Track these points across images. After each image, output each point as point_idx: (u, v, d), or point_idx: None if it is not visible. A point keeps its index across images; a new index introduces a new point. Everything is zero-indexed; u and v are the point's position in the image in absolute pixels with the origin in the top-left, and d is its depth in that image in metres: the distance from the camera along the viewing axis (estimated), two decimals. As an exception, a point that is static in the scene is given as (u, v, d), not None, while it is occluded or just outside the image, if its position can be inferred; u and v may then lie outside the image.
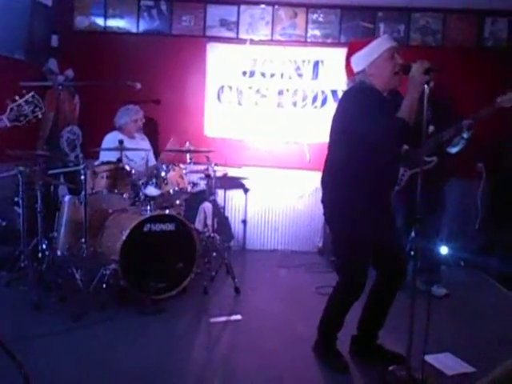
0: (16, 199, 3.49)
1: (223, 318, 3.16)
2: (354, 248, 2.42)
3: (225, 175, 4.81)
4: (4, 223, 4.07)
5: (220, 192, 4.99)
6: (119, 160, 3.58)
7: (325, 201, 2.51)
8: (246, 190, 5.01)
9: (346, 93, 2.45)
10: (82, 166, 3.20)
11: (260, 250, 4.96)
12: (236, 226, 5.04)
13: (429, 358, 2.60)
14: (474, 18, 4.74)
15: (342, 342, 2.64)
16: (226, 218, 5.02)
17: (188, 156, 3.73)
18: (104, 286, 3.24)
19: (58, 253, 3.61)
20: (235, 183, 4.96)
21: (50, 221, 3.79)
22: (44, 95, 4.67)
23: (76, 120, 4.95)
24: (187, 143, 3.77)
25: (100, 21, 4.95)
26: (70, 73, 4.88)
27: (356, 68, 2.42)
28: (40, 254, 3.58)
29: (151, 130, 4.84)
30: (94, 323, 2.99)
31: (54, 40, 4.89)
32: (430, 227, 3.67)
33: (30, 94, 1.91)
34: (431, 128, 3.53)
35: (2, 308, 3.19)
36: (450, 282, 3.92)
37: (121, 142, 3.62)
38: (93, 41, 4.93)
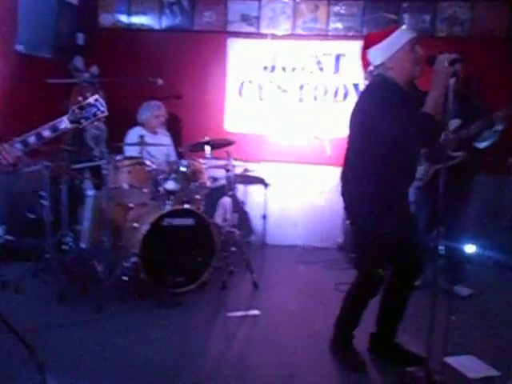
0: (42, 193, 3.58)
1: (241, 313, 3.20)
2: (377, 243, 2.39)
3: (245, 170, 4.84)
4: (32, 216, 4.19)
5: (240, 187, 5.02)
6: (140, 155, 3.64)
7: (347, 195, 2.50)
8: (266, 185, 5.01)
9: (366, 88, 2.43)
10: (104, 161, 3.26)
11: (280, 246, 4.97)
12: (256, 221, 5.06)
13: (450, 360, 2.57)
14: (505, 6, 4.55)
15: (359, 340, 2.63)
16: (246, 213, 5.06)
17: (208, 150, 3.75)
18: (125, 278, 3.32)
19: (82, 245, 3.71)
20: (255, 178, 4.97)
21: (75, 214, 3.91)
22: (70, 92, 4.81)
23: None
24: (206, 137, 3.80)
25: (124, 18, 5.03)
26: (94, 70, 4.98)
27: (374, 61, 2.38)
28: (64, 247, 3.71)
29: (173, 126, 4.90)
30: (115, 314, 3.07)
31: (80, 38, 4.99)
32: (455, 225, 3.60)
33: (94, 97, 1.95)
34: (458, 122, 3.45)
35: (28, 298, 3.30)
36: (476, 281, 3.83)
37: (141, 137, 3.67)
38: (117, 38, 5.01)
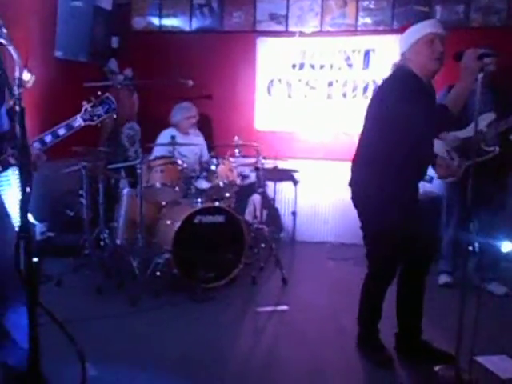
0: (80, 192, 3.77)
1: (270, 308, 3.28)
2: (388, 235, 2.41)
3: (275, 168, 4.91)
4: (72, 213, 4.40)
5: (270, 184, 5.10)
6: (171, 155, 3.76)
7: (356, 186, 2.53)
8: (295, 182, 5.08)
9: (386, 80, 2.44)
10: (137, 161, 3.40)
11: (310, 242, 5.02)
12: (286, 218, 5.13)
13: (481, 359, 2.54)
14: (544, -7, 4.44)
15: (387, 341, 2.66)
16: (276, 210, 5.13)
17: (236, 150, 3.85)
18: (158, 273, 3.46)
19: (118, 242, 3.87)
20: (285, 175, 5.04)
21: (112, 212, 4.08)
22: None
23: (135, 117, 5.25)
24: (236, 137, 3.89)
25: (155, 21, 5.18)
26: (128, 72, 5.16)
27: (400, 50, 2.43)
28: (102, 243, 3.89)
29: (204, 125, 5.01)
30: (148, 308, 3.21)
31: (115, 41, 5.17)
32: (490, 222, 3.56)
33: (104, 96, 2.07)
34: (492, 115, 3.39)
35: (68, 291, 3.50)
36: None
37: (173, 137, 3.80)
38: (149, 40, 5.17)
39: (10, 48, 1.35)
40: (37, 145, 1.94)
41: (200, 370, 2.47)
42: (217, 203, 3.65)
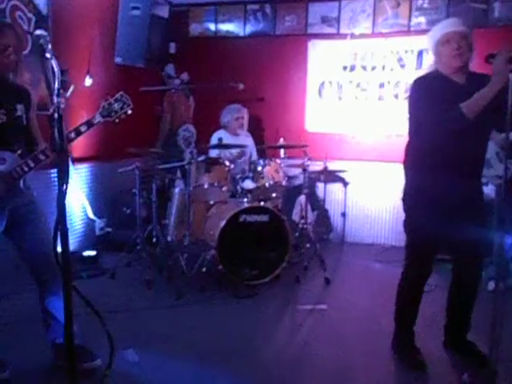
0: (134, 190, 3.99)
1: (309, 306, 3.32)
2: (413, 232, 2.47)
3: (325, 169, 4.93)
4: (128, 211, 4.66)
5: (320, 185, 5.13)
6: (218, 157, 3.90)
7: (404, 190, 2.55)
8: (345, 184, 5.07)
9: (412, 84, 2.47)
10: (185, 162, 3.57)
11: (359, 244, 4.99)
12: (335, 219, 5.13)
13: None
14: None
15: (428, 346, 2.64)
16: (326, 211, 5.14)
17: (282, 151, 3.92)
18: (204, 269, 3.61)
19: (169, 238, 4.08)
20: (335, 177, 5.05)
21: (165, 210, 4.30)
22: (163, 98, 5.25)
23: (191, 119, 5.47)
24: (281, 139, 3.96)
25: (211, 27, 5.37)
26: (185, 76, 5.39)
27: None
28: (154, 239, 4.11)
29: (256, 127, 5.14)
30: (194, 302, 3.36)
31: (172, 47, 5.43)
32: None
33: (119, 93, 2.26)
34: None
35: (121, 283, 3.72)
36: None
37: (220, 139, 3.94)
38: (205, 46, 5.37)
39: (53, 62, 1.50)
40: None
41: (232, 361, 2.57)
42: (262, 203, 3.74)
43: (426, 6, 4.62)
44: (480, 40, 4.27)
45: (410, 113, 2.44)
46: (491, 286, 3.57)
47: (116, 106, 2.26)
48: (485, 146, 2.45)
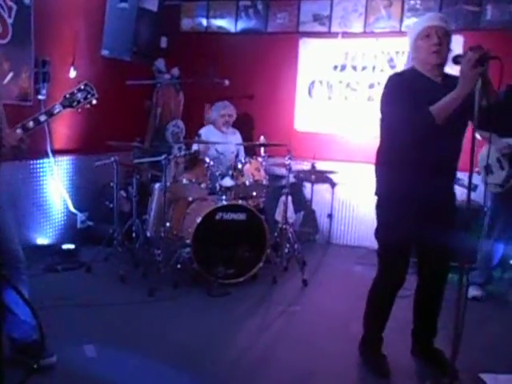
0: (111, 184, 3.95)
1: (281, 307, 3.27)
2: (391, 237, 2.37)
3: (313, 169, 4.87)
4: (111, 205, 4.62)
5: (308, 185, 5.07)
6: (196, 152, 3.85)
7: (376, 192, 2.47)
8: (333, 185, 5.01)
9: (386, 80, 2.36)
10: (162, 157, 3.52)
11: (344, 245, 4.94)
12: (322, 220, 5.07)
13: (485, 377, 2.44)
14: None
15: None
16: (313, 212, 5.08)
17: (262, 149, 3.87)
18: (178, 266, 3.56)
19: (148, 234, 4.04)
20: (323, 177, 4.99)
21: (146, 205, 4.25)
22: (153, 93, 5.22)
23: (180, 115, 5.44)
24: (262, 137, 3.91)
25: (203, 22, 5.32)
26: (175, 71, 5.35)
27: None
28: (134, 234, 4.07)
29: (245, 125, 5.08)
30: (166, 299, 3.31)
31: (163, 41, 5.37)
32: None
33: (83, 83, 2.23)
34: None
35: (96, 277, 3.69)
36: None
37: (199, 135, 3.90)
38: (196, 41, 5.32)
39: None
40: (19, 130, 2.10)
41: (193, 360, 2.52)
42: (240, 201, 3.68)
43: (418, 6, 4.54)
44: (472, 42, 4.23)
45: (382, 111, 2.36)
46: (471, 293, 3.48)
47: (79, 95, 2.23)
48: (459, 147, 2.34)
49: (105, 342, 2.63)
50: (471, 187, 4.25)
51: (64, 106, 2.19)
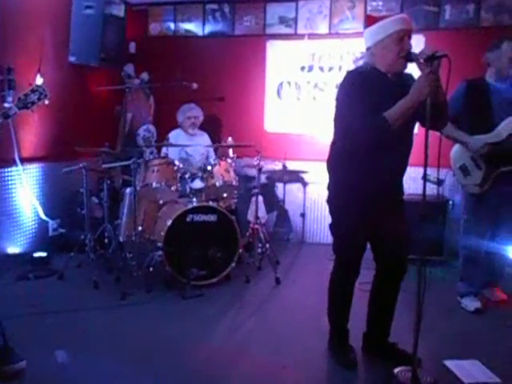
0: (81, 190, 3.95)
1: (254, 306, 3.32)
2: (345, 231, 2.44)
3: (284, 169, 4.94)
4: (83, 212, 4.61)
5: (280, 185, 5.13)
6: (165, 155, 3.88)
7: (328, 186, 2.51)
8: (304, 184, 5.08)
9: (344, 76, 2.36)
10: (131, 161, 3.54)
11: (318, 244, 5.00)
12: (295, 220, 5.14)
13: (449, 363, 2.53)
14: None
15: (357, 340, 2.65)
16: (286, 211, 5.15)
17: (231, 150, 3.91)
18: (151, 269, 3.58)
19: (120, 239, 4.04)
20: (294, 177, 5.06)
21: (118, 210, 4.25)
22: (123, 98, 5.21)
23: (151, 119, 5.45)
24: (230, 138, 3.95)
25: (170, 26, 5.34)
26: (144, 76, 5.36)
27: (365, 44, 2.34)
28: (106, 240, 4.07)
29: (215, 127, 5.13)
30: (139, 303, 3.33)
31: (132, 47, 5.40)
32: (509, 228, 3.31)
33: (35, 84, 2.27)
34: None
35: (68, 284, 3.68)
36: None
37: (167, 139, 3.93)
38: (164, 45, 5.34)
39: None
40: None
41: (165, 361, 2.54)
42: (210, 203, 3.72)
43: (380, 8, 4.65)
44: (433, 42, 4.37)
45: (338, 107, 2.36)
46: (471, 305, 3.30)
47: (33, 96, 2.27)
48: (410, 143, 2.41)
49: (76, 348, 2.63)
50: (438, 182, 4.33)
51: (19, 108, 2.22)
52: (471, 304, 3.29)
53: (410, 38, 2.27)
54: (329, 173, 2.50)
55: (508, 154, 3.11)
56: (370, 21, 2.43)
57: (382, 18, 2.32)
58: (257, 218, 3.99)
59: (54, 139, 4.46)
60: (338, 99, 2.36)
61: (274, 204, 5.15)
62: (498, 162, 3.14)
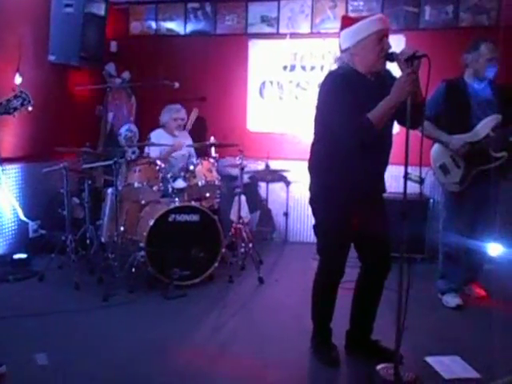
0: (61, 191, 3.90)
1: (237, 305, 3.32)
2: (329, 232, 2.44)
3: (267, 168, 4.95)
4: (64, 212, 4.55)
5: (262, 185, 5.14)
6: (148, 155, 3.86)
7: (310, 187, 2.51)
8: (287, 183, 5.09)
9: (325, 77, 2.36)
10: (112, 161, 3.51)
11: (301, 243, 5.02)
12: (278, 219, 5.15)
13: (430, 360, 2.56)
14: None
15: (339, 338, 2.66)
16: (269, 211, 5.15)
17: (213, 150, 3.90)
18: (133, 270, 3.55)
19: (102, 239, 4.00)
20: (277, 176, 5.07)
21: (100, 210, 4.21)
22: (104, 98, 5.16)
23: (133, 119, 5.41)
24: (212, 138, 3.95)
25: (152, 25, 5.31)
26: (126, 75, 5.33)
27: (343, 45, 2.33)
28: (88, 241, 4.03)
29: (197, 126, 5.10)
30: (120, 303, 3.30)
31: (113, 46, 5.35)
32: (487, 225, 3.37)
33: (19, 90, 2.24)
34: (497, 118, 3.19)
35: (49, 286, 3.63)
36: (498, 282, 3.64)
37: (149, 139, 3.91)
38: (146, 44, 5.31)
39: None
40: None
41: (147, 363, 2.52)
42: (193, 202, 3.71)
43: (361, 7, 4.69)
44: (413, 42, 4.42)
45: (320, 108, 2.36)
46: (452, 302, 3.36)
47: (15, 102, 2.24)
48: (390, 142, 2.43)
49: (57, 350, 2.61)
50: (419, 181, 4.39)
51: (1, 114, 2.18)
52: (452, 301, 3.34)
53: (387, 37, 2.29)
54: (310, 174, 2.50)
55: (486, 153, 3.19)
56: (345, 22, 2.40)
57: (358, 19, 2.34)
58: (239, 217, 3.99)
59: (33, 139, 4.40)
60: (319, 100, 2.36)
61: (257, 203, 5.15)
62: (477, 160, 3.21)
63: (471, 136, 3.22)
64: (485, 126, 3.19)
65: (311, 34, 4.87)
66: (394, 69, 2.30)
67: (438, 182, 3.49)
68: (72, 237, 3.79)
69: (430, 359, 2.55)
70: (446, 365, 2.51)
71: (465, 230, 3.38)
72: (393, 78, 2.35)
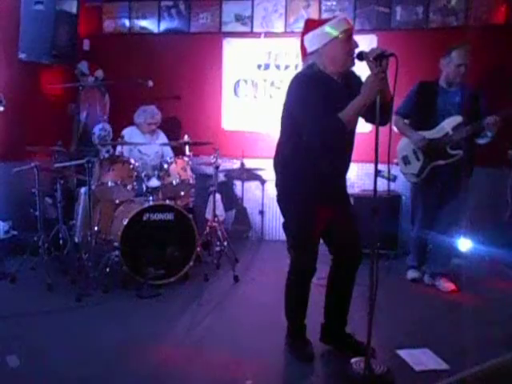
0: (33, 190, 3.83)
1: (212, 304, 3.33)
2: (297, 228, 2.47)
3: (242, 167, 4.97)
4: (36, 213, 4.48)
5: (238, 183, 5.16)
6: (120, 154, 3.83)
7: (277, 184, 2.54)
8: (263, 182, 5.12)
9: (293, 78, 2.39)
10: (85, 160, 3.47)
11: (278, 241, 5.04)
12: (254, 217, 5.17)
13: (401, 352, 2.62)
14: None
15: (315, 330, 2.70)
16: (244, 209, 5.17)
17: (187, 148, 3.90)
18: (107, 270, 3.52)
19: (76, 239, 3.96)
20: (252, 175, 5.09)
21: (73, 210, 4.16)
22: (77, 96, 5.09)
23: (107, 117, 5.34)
24: (186, 136, 3.94)
25: (125, 23, 5.26)
26: (99, 73, 5.25)
27: (310, 48, 2.35)
28: (61, 241, 3.97)
29: (172, 125, 5.09)
30: (95, 304, 3.28)
31: (86, 44, 5.28)
32: (449, 220, 3.58)
33: None
34: (458, 118, 3.43)
35: (21, 287, 3.57)
36: (467, 276, 3.76)
37: (122, 137, 3.88)
38: (119, 42, 5.25)
39: None
40: None
41: (122, 364, 2.51)
42: (167, 201, 3.70)
43: (334, 7, 4.74)
44: (385, 42, 4.49)
45: (288, 110, 2.39)
46: (410, 275, 3.84)
47: None
48: (353, 140, 2.48)
49: (30, 352, 2.57)
50: (392, 178, 4.53)
51: None
52: (411, 275, 3.83)
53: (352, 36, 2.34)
54: (276, 171, 2.54)
55: (442, 149, 3.47)
56: (310, 25, 2.43)
57: (322, 21, 2.36)
58: (215, 216, 4.00)
59: (3, 138, 4.32)
60: (288, 100, 2.39)
61: (233, 202, 5.17)
62: (434, 156, 3.50)
63: (432, 133, 3.50)
64: (446, 125, 3.46)
65: (285, 33, 4.91)
66: (362, 68, 2.34)
67: (400, 172, 3.77)
68: (44, 237, 3.74)
69: (401, 352, 2.61)
70: (416, 357, 2.58)
71: (430, 224, 3.67)
72: (357, 78, 2.42)
